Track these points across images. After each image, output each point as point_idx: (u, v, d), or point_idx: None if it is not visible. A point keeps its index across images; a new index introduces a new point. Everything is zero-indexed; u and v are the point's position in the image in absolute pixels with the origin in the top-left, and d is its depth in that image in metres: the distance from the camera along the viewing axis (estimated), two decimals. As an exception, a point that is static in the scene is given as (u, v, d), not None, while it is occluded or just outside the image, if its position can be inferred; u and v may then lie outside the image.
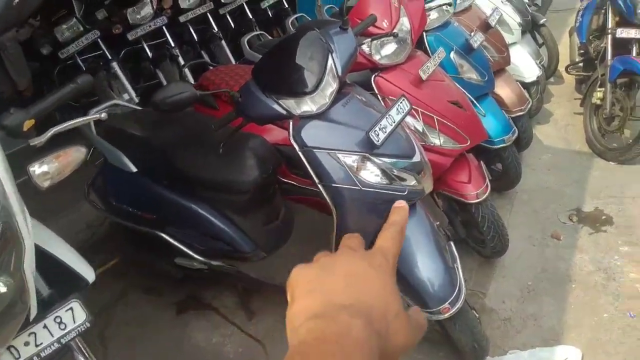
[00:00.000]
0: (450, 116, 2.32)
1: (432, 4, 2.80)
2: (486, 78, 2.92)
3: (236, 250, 2.30)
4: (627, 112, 3.41)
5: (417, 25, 2.37)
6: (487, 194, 2.38)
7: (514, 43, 4.05)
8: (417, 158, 1.86)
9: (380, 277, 0.44)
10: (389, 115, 1.83)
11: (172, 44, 4.38)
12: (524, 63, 3.98)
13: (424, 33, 2.84)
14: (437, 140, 2.30)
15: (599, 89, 3.55)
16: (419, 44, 2.86)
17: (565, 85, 4.98)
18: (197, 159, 2.23)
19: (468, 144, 2.35)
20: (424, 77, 2.29)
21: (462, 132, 2.34)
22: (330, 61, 1.78)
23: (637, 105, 3.50)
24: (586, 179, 3.45)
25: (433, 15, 2.83)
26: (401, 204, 0.52)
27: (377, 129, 1.76)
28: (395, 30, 2.28)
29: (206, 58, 4.65)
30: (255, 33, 4.04)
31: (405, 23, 2.32)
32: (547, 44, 4.76)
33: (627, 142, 3.52)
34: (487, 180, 2.43)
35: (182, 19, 4.51)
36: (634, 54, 3.45)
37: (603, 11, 3.63)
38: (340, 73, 1.79)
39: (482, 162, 2.53)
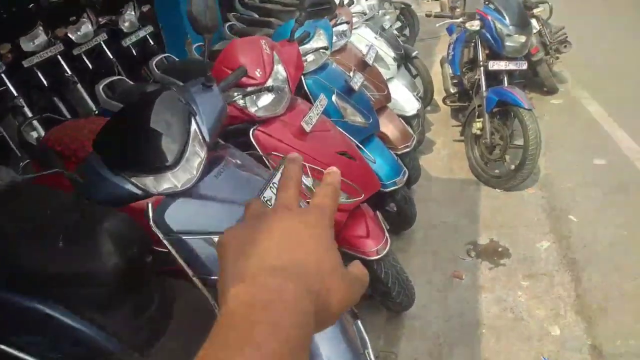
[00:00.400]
0: (340, 168, 2.10)
1: (307, 47, 2.62)
2: (370, 120, 2.78)
3: (101, 354, 1.85)
4: (506, 141, 3.49)
5: (294, 72, 2.14)
6: (387, 248, 2.19)
7: (391, 78, 4.03)
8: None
9: (315, 234, 0.42)
10: (273, 183, 1.55)
11: (15, 93, 3.74)
12: (403, 97, 3.96)
13: (303, 77, 2.64)
14: (328, 196, 2.07)
15: (477, 120, 3.62)
16: (299, 88, 2.65)
17: (442, 113, 5.11)
18: (39, 249, 1.77)
19: (362, 197, 2.15)
20: (307, 129, 2.05)
21: (355, 184, 2.13)
22: (193, 126, 1.46)
23: (514, 131, 3.60)
24: (477, 209, 3.46)
25: (310, 58, 2.64)
26: (333, 168, 0.51)
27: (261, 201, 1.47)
28: (270, 81, 2.02)
29: (61, 106, 4.08)
30: (113, 78, 3.55)
31: (280, 71, 2.07)
32: (421, 75, 4.85)
33: (510, 169, 3.59)
34: (386, 232, 2.24)
35: (26, 63, 3.91)
36: (505, 84, 3.57)
37: (473, 44, 3.73)
38: (208, 138, 1.48)
39: (377, 213, 2.34)
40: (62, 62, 4.17)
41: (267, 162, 2.02)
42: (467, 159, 3.88)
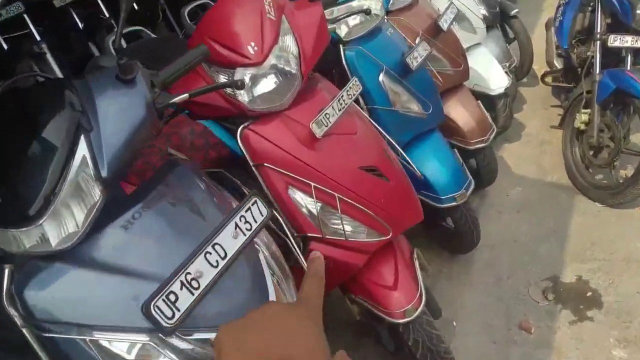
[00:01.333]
0: (362, 192, 1.46)
1: (345, 6, 1.92)
2: (430, 109, 2.06)
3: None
4: (619, 143, 2.60)
5: (312, 45, 1.47)
6: (420, 309, 1.54)
7: (477, 44, 3.19)
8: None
9: (306, 329, 0.44)
10: (215, 244, 0.96)
11: (38, 37, 3.35)
12: (490, 71, 3.12)
13: (341, 46, 1.95)
14: (339, 228, 1.45)
15: (583, 110, 2.73)
16: (337, 64, 1.98)
17: (540, 88, 4.14)
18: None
19: (389, 235, 1.50)
20: (318, 133, 1.41)
21: (381, 216, 1.48)
22: (82, 149, 0.89)
23: (632, 131, 2.70)
24: (567, 228, 2.66)
25: (352, 21, 1.95)
26: (316, 254, 0.55)
27: (186, 277, 0.90)
28: (270, 59, 1.38)
29: (96, 53, 3.68)
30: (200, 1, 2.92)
31: (289, 45, 1.42)
32: (519, 40, 3.92)
33: (619, 179, 2.72)
34: (421, 284, 1.59)
35: (57, 2, 3.50)
36: (628, 66, 2.64)
37: (590, 9, 2.78)
38: (106, 172, 0.90)
39: (416, 252, 1.68)
40: (100, 2, 3.70)
41: (258, 177, 1.42)
42: (563, 157, 3.03)
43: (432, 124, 2.14)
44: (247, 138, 1.41)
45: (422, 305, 1.55)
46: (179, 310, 0.88)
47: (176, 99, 1.01)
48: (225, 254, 0.97)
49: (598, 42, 2.66)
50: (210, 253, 0.94)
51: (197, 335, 0.92)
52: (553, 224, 2.69)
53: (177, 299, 0.88)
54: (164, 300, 0.87)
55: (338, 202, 1.43)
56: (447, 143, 2.21)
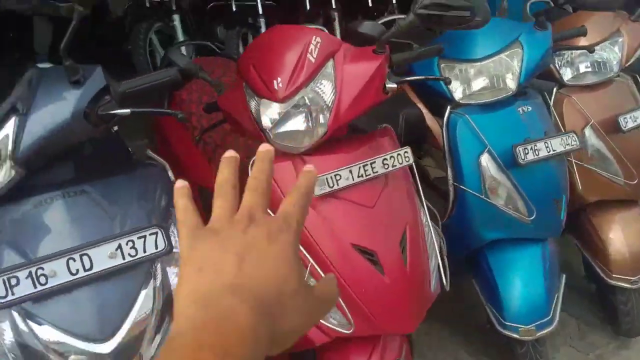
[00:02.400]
0: (342, 270, 1.28)
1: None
2: (533, 215, 1.65)
3: None
4: None
5: (349, 101, 1.30)
6: None
7: None
8: (106, 349, 0.99)
9: (278, 250, 0.40)
10: (84, 254, 0.99)
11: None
12: None
13: (449, 107, 1.70)
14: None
15: None
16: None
17: None
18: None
19: (351, 331, 1.29)
20: (317, 191, 1.28)
21: (351, 307, 1.28)
22: (8, 128, 1.00)
23: None
24: None
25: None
26: (309, 167, 0.46)
27: (37, 270, 0.97)
28: (296, 99, 1.30)
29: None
30: None
31: (326, 93, 1.30)
32: None
33: None
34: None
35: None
36: None
37: None
38: (21, 154, 1.01)
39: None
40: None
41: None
42: None
43: (535, 233, 1.71)
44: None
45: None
46: (12, 295, 0.94)
47: (118, 112, 1.04)
48: (91, 267, 0.98)
49: None
50: (74, 260, 0.97)
51: (31, 324, 0.97)
52: None
53: (17, 283, 0.94)
54: (3, 279, 0.94)
55: (308, 268, 1.29)
56: (552, 265, 1.75)
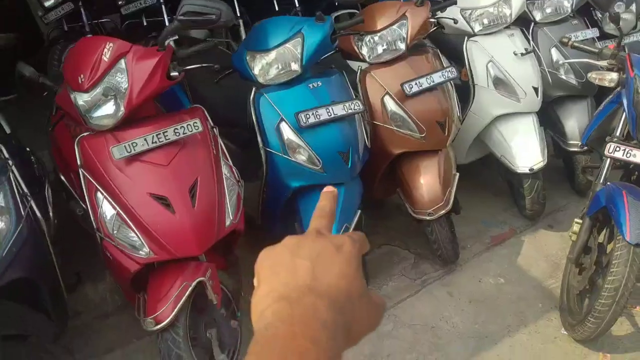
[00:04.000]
0: (142, 214, 1.76)
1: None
2: (319, 165, 2.12)
3: None
4: (598, 267, 2.13)
5: (139, 88, 1.76)
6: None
7: (526, 113, 2.86)
8: None
9: (346, 260, 0.44)
10: None
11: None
12: (523, 145, 2.82)
13: (254, 89, 2.19)
14: (124, 236, 1.79)
15: (576, 220, 2.29)
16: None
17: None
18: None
19: (153, 256, 1.77)
20: (116, 156, 1.75)
21: (149, 238, 1.76)
22: None
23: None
24: (513, 345, 2.33)
25: (273, 70, 2.16)
26: (330, 189, 0.54)
27: None
28: (94, 89, 1.78)
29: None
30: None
31: (121, 82, 1.78)
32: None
33: (584, 308, 2.24)
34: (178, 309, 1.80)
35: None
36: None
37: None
38: None
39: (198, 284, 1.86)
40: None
41: (81, 178, 1.84)
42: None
43: (328, 179, 2.18)
44: (80, 145, 1.85)
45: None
46: None
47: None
48: None
49: (607, 147, 2.17)
50: None
51: None
52: (499, 330, 2.38)
53: None
54: None
55: (117, 215, 1.77)
56: (348, 204, 2.22)
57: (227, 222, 1.92)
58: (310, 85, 2.20)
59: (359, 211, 2.25)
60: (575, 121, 3.07)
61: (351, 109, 2.19)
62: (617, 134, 2.16)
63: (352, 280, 0.43)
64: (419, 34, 2.46)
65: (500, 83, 2.80)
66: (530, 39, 3.06)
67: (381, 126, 2.46)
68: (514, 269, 2.75)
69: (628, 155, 2.06)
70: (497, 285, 2.65)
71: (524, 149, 2.79)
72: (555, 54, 3.01)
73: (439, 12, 2.64)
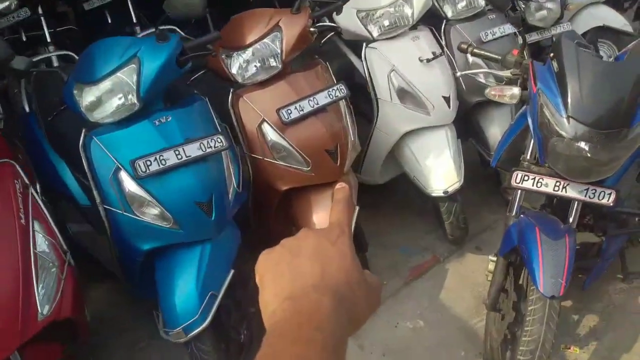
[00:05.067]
0: None
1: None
2: (170, 223, 1.70)
3: None
4: (516, 311, 1.80)
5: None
6: None
7: (440, 127, 2.51)
8: None
9: (340, 251, 0.48)
10: None
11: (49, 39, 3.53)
12: (435, 164, 2.46)
13: (84, 130, 1.74)
14: None
15: (491, 258, 1.95)
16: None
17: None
18: None
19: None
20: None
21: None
22: None
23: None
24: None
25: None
26: (342, 185, 0.56)
27: None
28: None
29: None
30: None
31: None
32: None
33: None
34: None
35: (87, 6, 3.64)
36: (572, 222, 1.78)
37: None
38: None
39: None
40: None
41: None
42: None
43: (187, 237, 1.77)
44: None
45: None
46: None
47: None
48: None
49: (514, 175, 1.82)
50: None
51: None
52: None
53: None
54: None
55: None
56: (213, 264, 1.80)
57: (41, 315, 1.48)
58: (156, 121, 1.76)
59: (232, 271, 1.83)
60: (497, 128, 2.73)
61: (212, 146, 1.78)
62: (528, 156, 1.82)
63: (349, 271, 0.47)
64: (296, 47, 2.05)
65: (405, 95, 2.43)
66: (442, 38, 2.72)
67: (262, 160, 2.05)
68: (435, 306, 2.41)
69: (539, 185, 1.71)
70: (415, 330, 2.30)
71: (437, 168, 2.44)
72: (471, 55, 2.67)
73: (326, 18, 2.25)
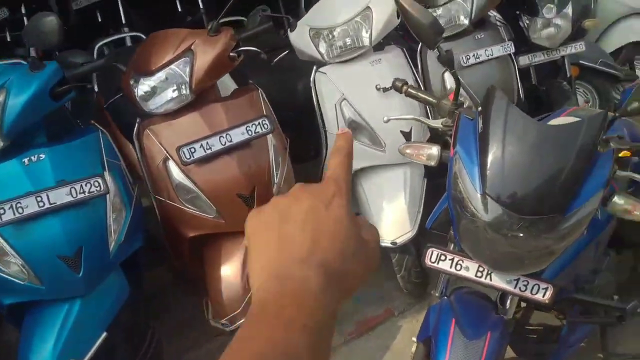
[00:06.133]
0: None
1: None
2: (27, 277, 1.49)
3: None
4: None
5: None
6: None
7: (397, 165, 2.18)
8: None
9: (334, 215, 0.44)
10: None
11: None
12: (387, 212, 2.14)
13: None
14: None
15: (414, 339, 1.62)
16: None
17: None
18: None
19: None
20: None
21: None
22: None
23: None
24: None
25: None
26: (344, 129, 0.53)
27: None
28: None
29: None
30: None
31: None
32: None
33: None
34: None
35: (75, 5, 3.52)
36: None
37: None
38: None
39: None
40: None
41: None
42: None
43: (51, 295, 1.55)
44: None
45: None
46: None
47: None
48: None
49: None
50: None
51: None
52: None
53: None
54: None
55: None
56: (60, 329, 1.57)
57: None
58: (26, 160, 1.55)
59: (105, 334, 1.60)
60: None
61: (85, 191, 1.55)
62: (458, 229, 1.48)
63: (344, 239, 0.43)
64: (210, 74, 1.79)
65: (356, 128, 2.11)
66: (419, 61, 2.37)
67: (166, 202, 1.81)
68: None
69: (457, 267, 1.37)
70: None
71: (388, 215, 2.12)
72: (449, 81, 2.31)
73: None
